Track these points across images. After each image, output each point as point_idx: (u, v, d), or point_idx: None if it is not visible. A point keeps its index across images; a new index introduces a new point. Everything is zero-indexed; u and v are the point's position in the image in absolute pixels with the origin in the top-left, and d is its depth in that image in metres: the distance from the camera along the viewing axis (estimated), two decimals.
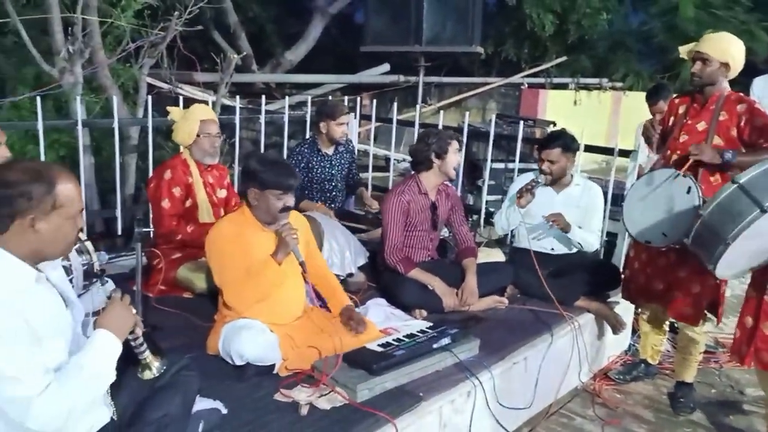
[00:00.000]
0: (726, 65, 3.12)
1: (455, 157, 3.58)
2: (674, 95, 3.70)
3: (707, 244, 2.54)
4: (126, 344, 1.82)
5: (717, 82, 3.14)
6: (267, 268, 2.69)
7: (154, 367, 1.97)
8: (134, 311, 1.85)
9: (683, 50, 3.23)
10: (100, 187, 4.88)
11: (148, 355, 1.96)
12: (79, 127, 4.10)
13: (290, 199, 2.73)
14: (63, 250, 1.78)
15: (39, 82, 4.79)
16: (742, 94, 3.19)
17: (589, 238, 3.81)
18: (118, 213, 4.30)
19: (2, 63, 5.34)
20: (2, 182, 1.64)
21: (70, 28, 4.32)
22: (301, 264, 2.73)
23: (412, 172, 3.70)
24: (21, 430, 1.62)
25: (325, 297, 3.10)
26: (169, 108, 3.76)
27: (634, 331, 3.97)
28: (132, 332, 1.86)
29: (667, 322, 3.65)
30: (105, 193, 4.86)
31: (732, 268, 2.54)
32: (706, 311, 3.30)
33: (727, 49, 3.11)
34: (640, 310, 3.74)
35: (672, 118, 3.36)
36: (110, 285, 1.89)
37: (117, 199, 4.33)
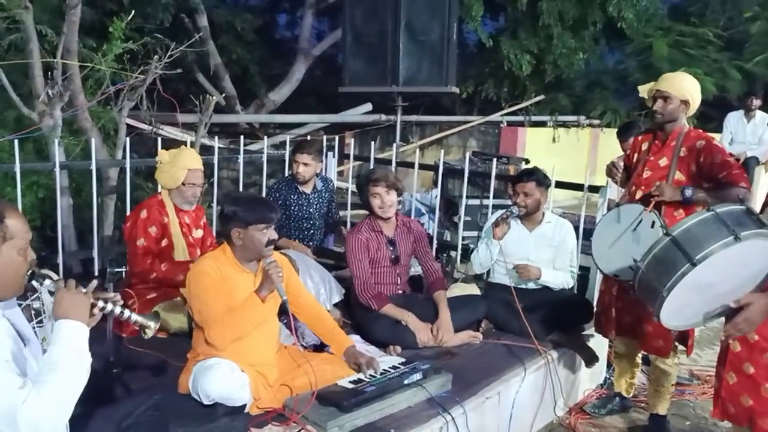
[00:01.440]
0: (686, 102, 3.24)
1: (376, 201, 3.61)
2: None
3: (648, 295, 2.54)
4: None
5: (678, 119, 3.26)
6: (250, 304, 2.70)
7: (150, 323, 2.03)
8: (84, 291, 1.83)
9: (643, 90, 3.34)
10: (79, 228, 4.89)
11: (135, 318, 2.00)
12: (57, 169, 4.14)
13: (273, 233, 2.77)
14: (16, 286, 1.78)
15: (19, 125, 4.83)
16: (701, 130, 3.31)
17: (561, 278, 3.88)
18: (95, 253, 4.32)
19: None
20: None
21: (50, 73, 4.39)
22: (284, 302, 2.75)
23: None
24: None
25: (323, 339, 3.10)
26: (161, 151, 3.75)
27: (610, 364, 4.00)
28: (102, 308, 1.87)
29: (640, 355, 3.68)
30: (83, 233, 4.87)
31: (680, 318, 2.52)
32: (677, 343, 3.35)
33: (686, 87, 3.24)
34: (613, 343, 3.78)
35: (636, 155, 3.46)
36: (48, 281, 1.88)
37: (94, 239, 4.35)
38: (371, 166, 5.46)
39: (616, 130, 5.38)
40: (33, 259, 1.82)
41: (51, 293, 1.97)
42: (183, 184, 3.63)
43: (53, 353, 1.72)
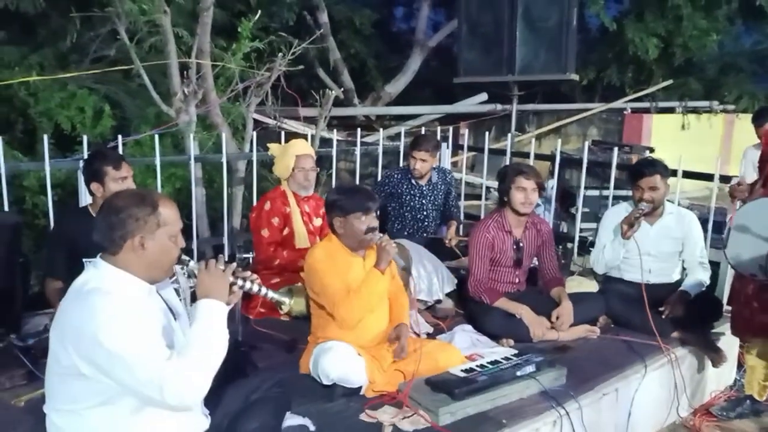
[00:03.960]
0: None
1: (519, 195, 3.47)
2: None
3: None
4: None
5: None
6: (373, 278, 2.83)
7: (285, 299, 2.18)
8: (223, 269, 1.95)
9: None
10: (211, 216, 5.25)
11: (272, 295, 2.13)
12: (192, 161, 4.47)
13: (373, 221, 2.87)
14: (168, 268, 1.98)
15: (159, 121, 5.25)
16: None
17: (699, 282, 3.67)
18: (225, 240, 4.63)
19: (128, 104, 5.91)
20: (113, 208, 1.89)
21: (185, 72, 4.74)
22: (405, 269, 2.84)
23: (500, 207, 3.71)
24: (164, 409, 1.79)
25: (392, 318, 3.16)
26: (269, 144, 4.06)
27: (740, 365, 3.77)
28: (241, 286, 2.01)
29: None
30: (215, 221, 5.23)
31: None
32: None
33: None
34: (746, 343, 3.55)
35: None
36: (192, 263, 2.01)
37: (224, 227, 4.66)
38: (485, 157, 5.45)
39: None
40: (182, 245, 1.99)
41: (190, 276, 2.15)
42: (293, 170, 3.83)
43: (195, 330, 1.87)
